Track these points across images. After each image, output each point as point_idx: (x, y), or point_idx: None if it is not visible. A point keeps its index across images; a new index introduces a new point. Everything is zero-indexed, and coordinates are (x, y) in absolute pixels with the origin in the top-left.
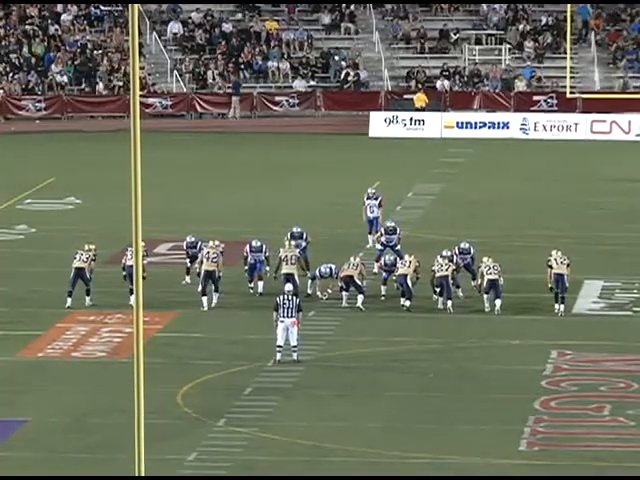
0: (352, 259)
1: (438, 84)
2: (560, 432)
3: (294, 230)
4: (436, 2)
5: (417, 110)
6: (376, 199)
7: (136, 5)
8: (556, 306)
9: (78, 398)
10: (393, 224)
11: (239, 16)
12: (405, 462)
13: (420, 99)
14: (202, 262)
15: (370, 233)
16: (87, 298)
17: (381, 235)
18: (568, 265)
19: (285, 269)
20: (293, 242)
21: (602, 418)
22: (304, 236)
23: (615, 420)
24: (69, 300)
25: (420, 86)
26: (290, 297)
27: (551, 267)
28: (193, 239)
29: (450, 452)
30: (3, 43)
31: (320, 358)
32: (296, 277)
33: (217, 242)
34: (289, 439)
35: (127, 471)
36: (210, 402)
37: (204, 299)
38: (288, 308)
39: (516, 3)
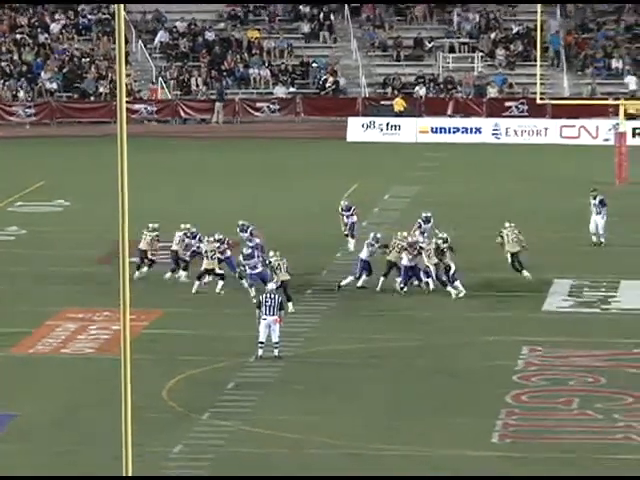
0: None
1: (415, 90)
2: (531, 425)
3: (240, 223)
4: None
5: (396, 115)
6: (349, 210)
7: (122, 13)
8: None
9: (67, 393)
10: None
11: (222, 25)
12: (383, 454)
13: (399, 104)
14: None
15: (353, 237)
16: (183, 273)
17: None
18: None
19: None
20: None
21: (571, 411)
22: (249, 230)
23: (583, 413)
24: (137, 273)
25: (396, 92)
26: (272, 295)
27: (502, 245)
28: (194, 229)
29: (426, 444)
30: None
31: (300, 354)
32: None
33: (217, 236)
34: (271, 432)
35: (115, 464)
36: (194, 396)
37: (197, 282)
38: (270, 306)
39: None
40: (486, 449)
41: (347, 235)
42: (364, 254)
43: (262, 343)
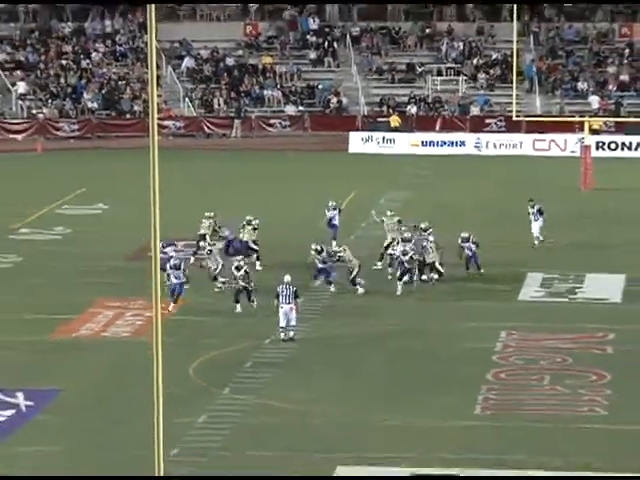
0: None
1: (407, 109)
2: (508, 399)
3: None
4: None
5: (392, 130)
6: (335, 209)
7: (154, 42)
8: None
9: (106, 371)
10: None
11: (240, 52)
12: (381, 424)
13: (395, 120)
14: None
15: (334, 239)
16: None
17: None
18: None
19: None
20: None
21: (543, 387)
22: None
23: (553, 389)
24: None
25: (392, 110)
26: (288, 286)
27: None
28: (227, 232)
29: (417, 415)
30: (43, 75)
31: (309, 338)
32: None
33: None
34: (282, 405)
35: (147, 434)
36: (216, 374)
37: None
38: (286, 296)
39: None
40: (470, 420)
41: (334, 234)
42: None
43: (283, 328)
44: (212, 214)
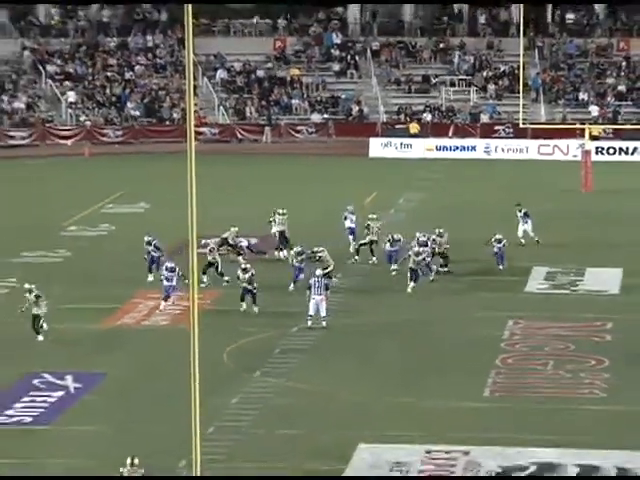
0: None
1: (423, 117)
2: (515, 382)
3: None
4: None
5: (411, 136)
6: (352, 214)
7: (191, 55)
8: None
9: (147, 356)
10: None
11: (269, 65)
12: (396, 404)
13: (414, 127)
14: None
15: (354, 240)
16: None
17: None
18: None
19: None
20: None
21: (547, 371)
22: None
23: (556, 373)
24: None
25: (409, 118)
26: (319, 279)
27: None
28: (244, 243)
29: (431, 397)
30: (90, 85)
31: (330, 327)
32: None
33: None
34: (308, 387)
35: (185, 414)
36: (248, 359)
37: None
38: (318, 287)
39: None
40: (479, 401)
41: (353, 236)
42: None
43: (310, 316)
44: (236, 228)
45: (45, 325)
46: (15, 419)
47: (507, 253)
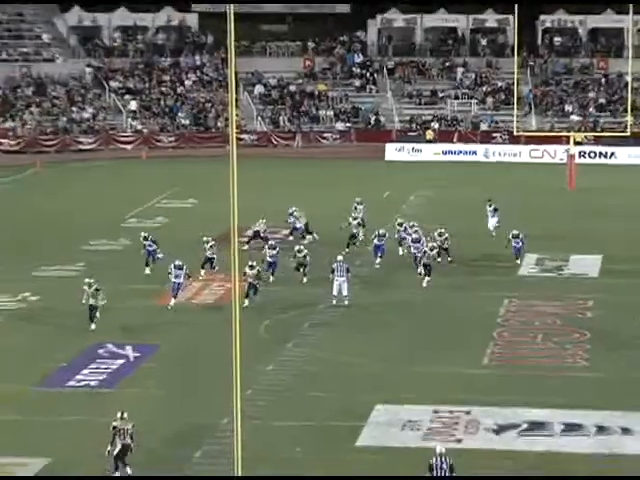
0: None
1: (431, 125)
2: (510, 352)
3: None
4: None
5: (427, 141)
6: (360, 204)
7: (233, 73)
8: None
9: (195, 330)
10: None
11: (300, 81)
12: (408, 371)
13: (429, 134)
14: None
15: (364, 226)
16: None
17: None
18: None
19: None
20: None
21: (537, 343)
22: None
23: (545, 344)
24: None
25: (425, 127)
26: (341, 264)
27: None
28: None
29: (437, 365)
30: (147, 98)
31: (351, 305)
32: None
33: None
34: (333, 356)
35: (228, 379)
36: (282, 332)
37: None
38: (340, 270)
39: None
40: (479, 368)
41: (364, 224)
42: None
43: (335, 296)
44: (264, 220)
45: (98, 315)
46: (83, 383)
47: (501, 243)
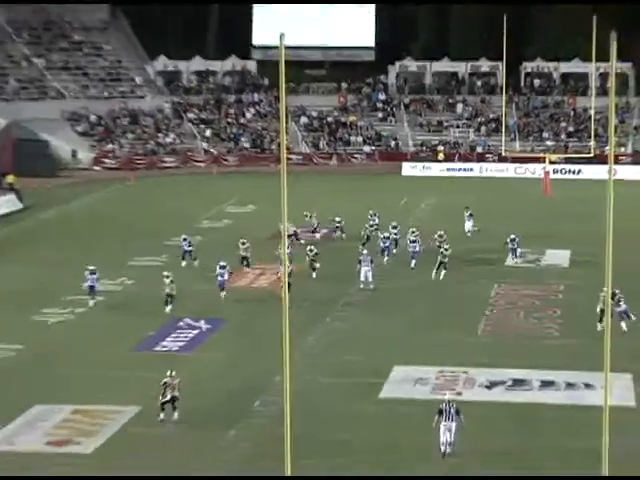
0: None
1: (438, 149)
2: (498, 325)
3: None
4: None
5: (438, 161)
6: (375, 214)
7: (284, 107)
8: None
9: (254, 306)
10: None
11: (336, 113)
12: (419, 339)
13: (441, 154)
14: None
15: (378, 230)
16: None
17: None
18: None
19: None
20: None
21: (519, 318)
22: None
23: (526, 320)
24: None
25: (428, 149)
26: (366, 256)
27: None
28: (292, 230)
29: (441, 334)
30: (217, 127)
31: (375, 289)
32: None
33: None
34: (361, 327)
35: (279, 345)
36: (321, 309)
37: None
38: (365, 261)
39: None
40: (475, 337)
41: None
42: None
43: (362, 281)
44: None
45: (173, 300)
46: (166, 348)
47: (492, 240)
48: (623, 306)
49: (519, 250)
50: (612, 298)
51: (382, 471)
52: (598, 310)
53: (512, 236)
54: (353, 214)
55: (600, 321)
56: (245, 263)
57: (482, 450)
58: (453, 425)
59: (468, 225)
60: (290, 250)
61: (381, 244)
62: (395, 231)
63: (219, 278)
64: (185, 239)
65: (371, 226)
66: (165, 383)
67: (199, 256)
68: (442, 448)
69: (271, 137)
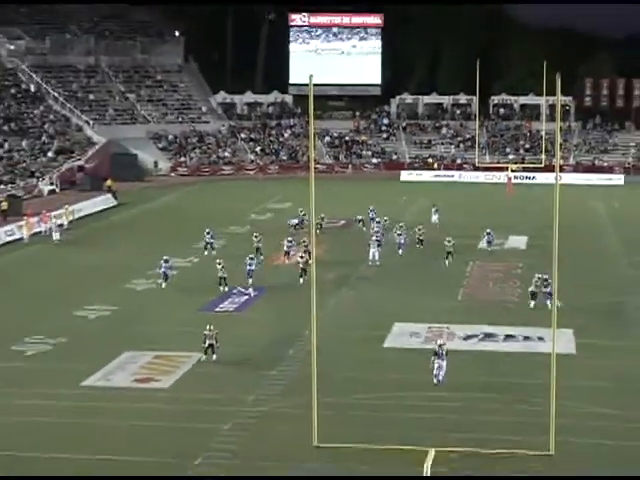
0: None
1: (429, 161)
2: (473, 292)
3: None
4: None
5: (431, 169)
6: (373, 211)
7: (312, 127)
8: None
9: (288, 277)
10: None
11: (351, 134)
12: (413, 303)
13: (434, 165)
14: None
15: (373, 226)
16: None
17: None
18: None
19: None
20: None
21: (489, 288)
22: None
23: (497, 288)
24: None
25: (422, 162)
26: (374, 240)
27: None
28: (294, 221)
29: (430, 299)
30: (262, 144)
31: (381, 265)
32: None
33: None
34: (369, 295)
35: (309, 308)
36: (339, 281)
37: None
38: (373, 244)
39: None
40: (455, 302)
41: (372, 224)
42: None
43: (370, 260)
44: (303, 211)
45: (224, 281)
46: (224, 309)
47: (468, 228)
48: (549, 289)
49: (494, 241)
50: (545, 281)
51: (390, 401)
52: (529, 291)
53: (488, 230)
54: (363, 209)
55: (532, 299)
56: (260, 253)
57: (460, 384)
58: (444, 363)
59: (434, 218)
60: (292, 240)
61: (397, 240)
62: (403, 228)
63: (248, 268)
64: (208, 232)
65: (371, 219)
66: (205, 335)
67: (249, 241)
68: (435, 379)
69: (302, 151)
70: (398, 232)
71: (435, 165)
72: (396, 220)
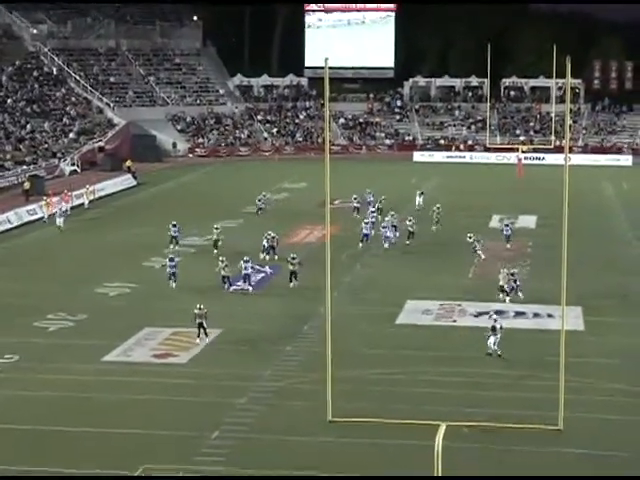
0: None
1: (441, 142)
2: (483, 271)
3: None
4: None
5: (441, 150)
6: (370, 193)
7: (327, 109)
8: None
9: (304, 257)
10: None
11: (365, 116)
12: (425, 281)
13: (454, 147)
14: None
15: (370, 207)
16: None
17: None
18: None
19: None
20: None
21: (499, 267)
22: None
23: (504, 267)
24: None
25: (433, 142)
26: (388, 223)
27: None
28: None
29: (442, 277)
30: (278, 125)
31: (392, 249)
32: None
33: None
34: (381, 273)
35: (323, 285)
36: (355, 259)
37: None
38: (386, 227)
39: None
40: (467, 279)
41: (371, 205)
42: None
43: (383, 240)
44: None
45: (228, 279)
46: (240, 287)
47: (477, 210)
48: (518, 283)
49: (512, 235)
50: (512, 275)
51: (402, 376)
52: (499, 285)
53: (506, 222)
54: (377, 189)
55: (501, 292)
56: (273, 252)
57: (472, 360)
58: (497, 337)
59: (419, 200)
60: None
61: (409, 229)
62: (414, 221)
63: (244, 272)
64: (174, 225)
65: (377, 201)
66: (195, 313)
67: (264, 222)
68: (490, 350)
69: (318, 133)
70: (385, 225)
71: (453, 147)
72: (400, 203)
